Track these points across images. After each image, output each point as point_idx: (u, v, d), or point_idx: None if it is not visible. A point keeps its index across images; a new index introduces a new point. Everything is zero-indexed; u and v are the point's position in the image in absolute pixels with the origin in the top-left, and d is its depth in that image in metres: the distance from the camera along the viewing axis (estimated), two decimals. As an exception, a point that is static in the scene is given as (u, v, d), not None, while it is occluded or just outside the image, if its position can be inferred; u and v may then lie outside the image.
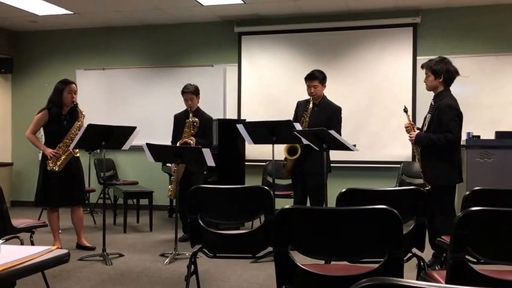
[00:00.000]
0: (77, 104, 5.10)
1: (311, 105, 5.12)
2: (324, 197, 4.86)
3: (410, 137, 4.39)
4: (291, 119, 5.23)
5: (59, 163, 4.97)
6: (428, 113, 4.42)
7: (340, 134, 4.79)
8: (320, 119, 5.05)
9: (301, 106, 5.30)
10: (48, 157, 4.96)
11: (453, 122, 4.18)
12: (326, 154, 4.66)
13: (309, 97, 5.20)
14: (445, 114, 4.18)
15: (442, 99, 4.26)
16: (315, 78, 5.15)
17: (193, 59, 7.97)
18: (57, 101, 5.05)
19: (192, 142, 5.38)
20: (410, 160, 6.91)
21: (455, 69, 4.30)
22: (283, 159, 5.23)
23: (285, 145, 5.14)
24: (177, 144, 5.37)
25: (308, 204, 5.22)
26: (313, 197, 5.16)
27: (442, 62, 4.29)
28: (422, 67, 4.44)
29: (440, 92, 4.31)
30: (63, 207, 5.24)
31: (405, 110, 4.45)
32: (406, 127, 4.45)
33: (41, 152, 5.13)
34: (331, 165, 5.18)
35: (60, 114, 5.07)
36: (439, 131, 4.20)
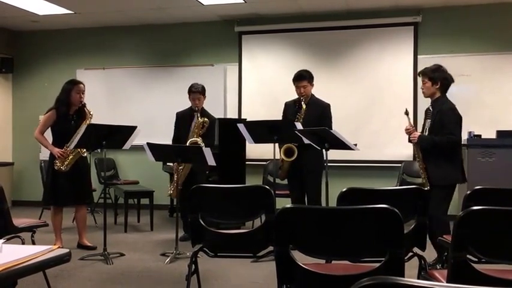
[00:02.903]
0: (85, 104, 5.12)
1: (304, 106, 5.12)
2: (319, 195, 4.88)
3: (413, 138, 4.41)
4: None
5: (66, 162, 4.99)
6: (427, 118, 4.49)
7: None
8: (311, 117, 5.08)
9: (290, 107, 5.33)
10: (56, 156, 4.97)
11: (455, 124, 4.26)
12: (324, 152, 4.68)
13: (296, 97, 5.25)
14: (448, 117, 4.26)
15: (443, 104, 4.34)
16: (303, 79, 5.18)
17: (194, 59, 7.96)
18: (65, 101, 5.08)
19: (201, 142, 5.37)
20: (411, 159, 6.89)
21: (451, 76, 4.41)
22: (280, 160, 5.24)
23: (281, 147, 5.14)
24: (187, 144, 5.37)
25: (306, 201, 5.23)
26: (311, 194, 5.17)
27: (439, 69, 4.39)
28: (419, 75, 4.54)
29: (438, 98, 4.40)
30: (69, 206, 5.26)
31: (406, 113, 4.50)
32: (407, 129, 4.48)
33: (46, 151, 5.14)
34: (328, 164, 5.19)
35: (67, 113, 5.09)
36: (441, 134, 4.27)
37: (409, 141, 4.54)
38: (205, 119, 5.49)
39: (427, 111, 4.53)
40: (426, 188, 4.27)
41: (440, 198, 4.21)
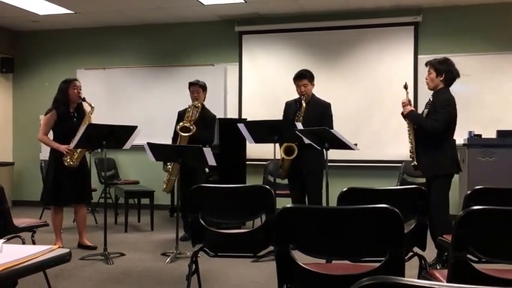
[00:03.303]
0: (84, 98, 5.13)
1: (304, 104, 5.13)
2: (320, 195, 4.88)
3: (405, 109, 4.47)
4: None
5: (75, 158, 5.00)
6: (425, 108, 4.51)
7: (332, 129, 4.84)
8: (311, 116, 5.08)
9: (290, 106, 5.33)
10: (64, 153, 4.97)
11: (445, 114, 4.27)
12: (325, 152, 4.69)
13: (297, 97, 5.25)
14: (441, 107, 4.30)
15: (441, 95, 4.36)
16: (304, 78, 5.20)
17: (194, 59, 7.97)
18: (63, 100, 5.09)
19: (192, 128, 5.38)
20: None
21: (457, 71, 4.40)
22: (280, 159, 5.24)
23: (282, 146, 5.14)
24: (177, 127, 5.38)
25: (306, 201, 5.24)
26: (312, 194, 5.17)
27: (446, 62, 4.39)
28: (426, 64, 4.52)
29: (440, 90, 4.41)
30: (70, 205, 5.26)
31: (405, 87, 4.56)
32: (403, 102, 4.53)
33: (47, 151, 5.14)
34: (328, 163, 5.19)
35: (68, 111, 5.10)
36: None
37: (402, 114, 4.59)
38: (198, 104, 5.50)
39: (428, 101, 4.54)
40: (413, 164, 4.40)
41: (437, 194, 4.21)
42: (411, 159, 4.47)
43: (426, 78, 4.47)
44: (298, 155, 5.08)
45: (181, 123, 5.44)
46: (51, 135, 5.20)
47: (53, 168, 5.07)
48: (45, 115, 5.14)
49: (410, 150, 4.46)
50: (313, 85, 5.27)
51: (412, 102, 6.75)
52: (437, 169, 4.30)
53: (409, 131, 4.51)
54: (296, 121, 5.04)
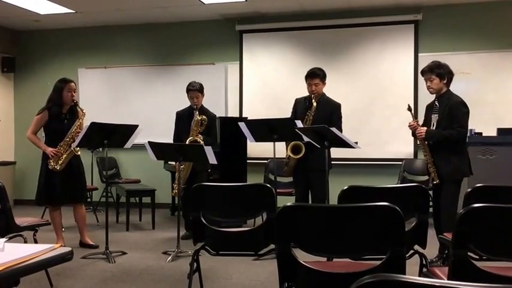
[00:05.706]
0: (77, 102, 5.12)
1: (315, 103, 5.10)
2: (326, 193, 4.88)
3: (420, 134, 4.41)
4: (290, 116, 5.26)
5: (60, 162, 4.98)
6: (433, 113, 4.48)
7: (341, 131, 4.82)
8: (321, 116, 5.05)
9: (300, 103, 5.30)
10: (49, 156, 4.97)
11: (465, 117, 4.35)
12: (327, 151, 4.68)
13: (307, 94, 5.21)
14: (459, 110, 4.34)
15: (449, 98, 4.40)
16: (316, 76, 5.14)
17: (195, 58, 7.97)
18: (57, 100, 5.07)
19: (201, 140, 5.37)
20: (412, 157, 6.91)
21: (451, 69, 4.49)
22: (286, 157, 5.23)
23: (289, 144, 5.13)
24: (187, 142, 5.36)
25: (310, 200, 5.23)
26: (316, 193, 5.16)
27: (442, 65, 4.44)
28: (422, 74, 4.52)
29: (445, 92, 4.45)
30: (64, 205, 5.25)
31: (409, 109, 4.55)
32: (410, 125, 4.51)
33: (42, 151, 5.14)
34: (332, 162, 5.18)
35: (60, 113, 5.08)
36: (450, 127, 4.32)
37: (414, 136, 4.56)
38: (204, 117, 5.48)
39: (431, 106, 4.54)
40: (435, 182, 4.37)
41: (452, 195, 4.28)
42: (431, 179, 4.42)
43: (429, 85, 4.45)
44: (304, 154, 5.06)
45: (190, 138, 5.42)
46: (45, 135, 5.19)
47: (45, 168, 5.06)
48: (37, 114, 5.12)
49: (430, 169, 4.39)
50: (324, 84, 5.21)
51: (412, 101, 6.82)
52: (454, 174, 4.35)
53: (424, 150, 4.46)
54: (306, 120, 5.02)
